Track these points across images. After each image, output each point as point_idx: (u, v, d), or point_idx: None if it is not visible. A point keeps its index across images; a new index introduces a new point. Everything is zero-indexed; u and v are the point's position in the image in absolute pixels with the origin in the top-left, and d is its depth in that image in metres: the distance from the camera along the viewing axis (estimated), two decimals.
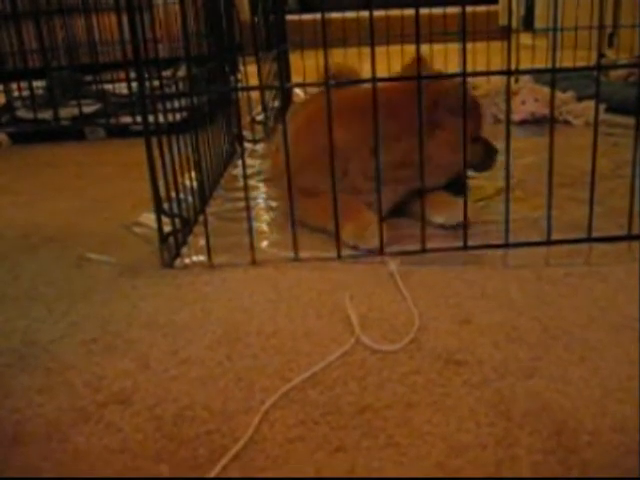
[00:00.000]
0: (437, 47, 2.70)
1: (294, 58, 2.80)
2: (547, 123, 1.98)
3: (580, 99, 2.16)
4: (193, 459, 0.71)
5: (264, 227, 1.36)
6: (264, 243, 1.26)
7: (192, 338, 0.94)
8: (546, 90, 2.14)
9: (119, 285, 1.13)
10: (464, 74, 1.08)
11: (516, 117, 2.08)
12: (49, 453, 0.73)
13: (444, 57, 2.69)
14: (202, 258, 1.20)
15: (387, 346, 0.89)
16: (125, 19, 1.13)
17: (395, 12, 3.06)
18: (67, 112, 2.30)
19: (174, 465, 0.70)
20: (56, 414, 0.80)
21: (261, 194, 1.58)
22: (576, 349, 0.87)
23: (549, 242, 1.16)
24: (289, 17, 2.94)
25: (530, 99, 2.10)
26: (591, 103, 2.08)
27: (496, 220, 1.24)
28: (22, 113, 2.34)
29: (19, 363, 0.91)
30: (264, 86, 1.47)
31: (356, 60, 2.50)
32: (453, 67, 2.37)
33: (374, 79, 1.06)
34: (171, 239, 1.20)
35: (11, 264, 1.25)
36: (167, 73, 2.21)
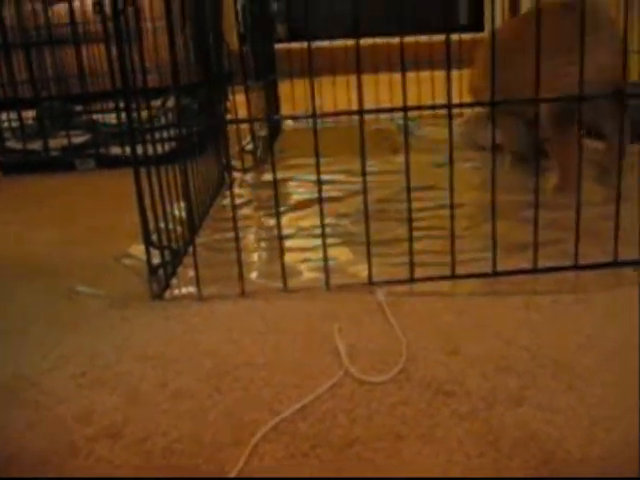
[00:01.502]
0: (423, 75, 2.74)
1: (283, 87, 2.82)
2: None
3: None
4: None
5: (254, 257, 1.36)
6: (253, 274, 1.27)
7: (182, 370, 0.95)
8: None
9: (109, 317, 1.13)
10: (449, 105, 1.10)
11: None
12: None
13: (431, 85, 2.72)
14: (191, 289, 1.20)
15: (376, 377, 0.90)
16: (114, 49, 1.14)
17: (382, 40, 3.10)
18: (57, 143, 2.31)
19: None
20: (46, 449, 0.79)
21: (252, 224, 1.59)
22: (564, 377, 0.87)
23: (536, 270, 1.17)
24: (278, 46, 2.97)
25: None
26: None
27: (483, 247, 1.25)
28: (12, 143, 2.35)
29: (9, 397, 0.91)
30: (253, 119, 1.48)
31: (345, 89, 2.52)
32: (440, 95, 2.40)
33: (360, 111, 1.08)
34: (160, 271, 1.21)
35: (0, 296, 1.25)
36: (157, 102, 2.22)
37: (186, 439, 0.79)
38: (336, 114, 1.16)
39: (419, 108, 1.12)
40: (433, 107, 1.15)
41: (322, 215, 1.15)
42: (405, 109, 1.08)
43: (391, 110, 1.11)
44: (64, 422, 0.85)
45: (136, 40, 1.31)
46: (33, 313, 1.17)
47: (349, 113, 1.13)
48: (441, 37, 1.11)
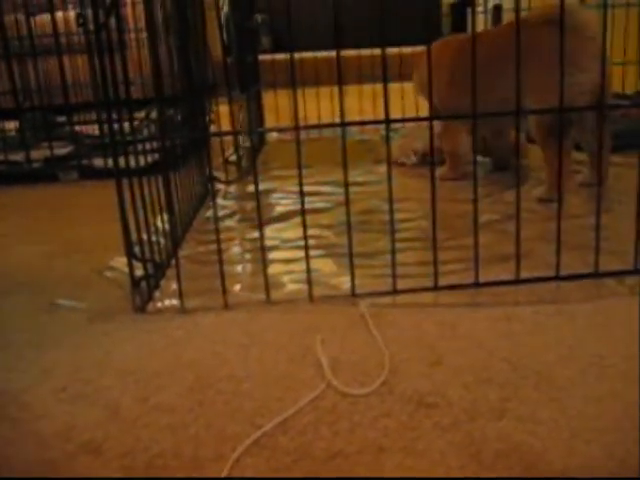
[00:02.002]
0: (407, 86, 2.75)
1: (267, 98, 2.83)
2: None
3: None
4: None
5: (237, 270, 1.36)
6: (237, 286, 1.26)
7: (163, 384, 0.94)
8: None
9: (90, 331, 1.12)
10: (431, 118, 1.10)
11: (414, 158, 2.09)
12: None
13: (415, 96, 2.73)
14: (174, 302, 1.20)
15: (358, 390, 0.90)
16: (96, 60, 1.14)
17: (366, 52, 3.11)
18: (39, 154, 2.30)
19: None
20: (25, 467, 0.79)
21: (235, 236, 1.59)
22: (545, 389, 0.88)
23: (518, 281, 1.18)
24: (262, 57, 2.97)
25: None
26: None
27: (466, 258, 1.25)
28: None
29: None
30: (237, 131, 1.49)
31: (329, 99, 2.53)
32: (424, 107, 2.41)
33: (343, 124, 1.08)
34: (143, 283, 1.20)
35: None
36: (140, 114, 2.21)
37: (167, 454, 0.79)
38: (319, 126, 1.16)
39: (402, 120, 1.13)
40: (416, 119, 1.15)
41: (305, 227, 1.15)
42: (388, 121, 1.09)
43: (374, 122, 1.11)
44: (44, 438, 0.84)
45: (119, 51, 1.31)
46: (13, 327, 1.16)
47: (332, 125, 1.13)
48: (425, 48, 1.12)
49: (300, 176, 1.12)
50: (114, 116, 1.14)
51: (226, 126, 2.10)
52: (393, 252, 1.17)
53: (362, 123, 1.14)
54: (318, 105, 2.58)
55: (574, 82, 1.49)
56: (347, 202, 1.14)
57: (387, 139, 1.11)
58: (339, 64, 1.08)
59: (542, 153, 1.63)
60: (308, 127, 1.15)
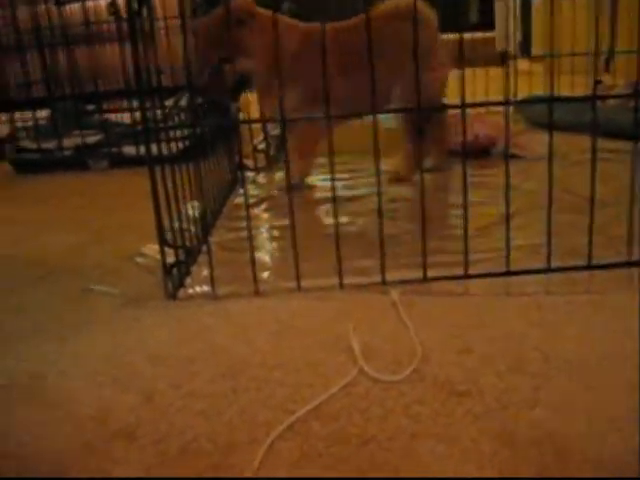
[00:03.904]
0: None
1: None
2: (491, 153, 2.01)
3: (576, 126, 2.15)
4: None
5: (267, 257, 1.37)
6: (267, 273, 1.27)
7: (196, 371, 0.95)
8: (497, 118, 2.12)
9: (123, 317, 1.14)
10: (463, 105, 1.09)
11: (458, 140, 2.03)
12: None
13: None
14: (205, 289, 1.21)
15: (390, 376, 0.90)
16: (128, 49, 1.15)
17: None
18: (70, 142, 2.32)
19: None
20: (62, 449, 0.80)
21: (264, 223, 1.60)
22: (578, 378, 0.87)
23: (549, 270, 1.17)
24: None
25: (477, 122, 2.05)
26: (540, 136, 2.09)
27: (497, 247, 1.25)
28: (26, 143, 2.36)
29: (25, 397, 0.92)
30: (266, 119, 1.49)
31: None
32: (453, 94, 2.39)
33: (374, 111, 1.08)
34: (175, 270, 1.21)
35: (16, 296, 1.26)
36: (169, 102, 2.22)
37: (201, 439, 0.80)
38: (351, 115, 1.16)
39: (434, 109, 1.12)
40: (448, 107, 1.14)
41: (336, 214, 1.15)
42: (419, 110, 1.08)
43: (405, 111, 1.11)
44: (80, 422, 0.85)
45: (150, 40, 1.31)
46: (48, 312, 1.18)
47: (363, 114, 1.13)
48: (453, 36, 1.11)
49: (331, 164, 1.12)
50: (147, 104, 1.15)
51: (255, 114, 2.11)
52: (424, 240, 1.16)
53: (393, 111, 1.14)
54: None
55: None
56: (379, 190, 1.14)
57: (420, 127, 1.10)
58: (370, 53, 1.08)
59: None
60: (339, 116, 1.14)
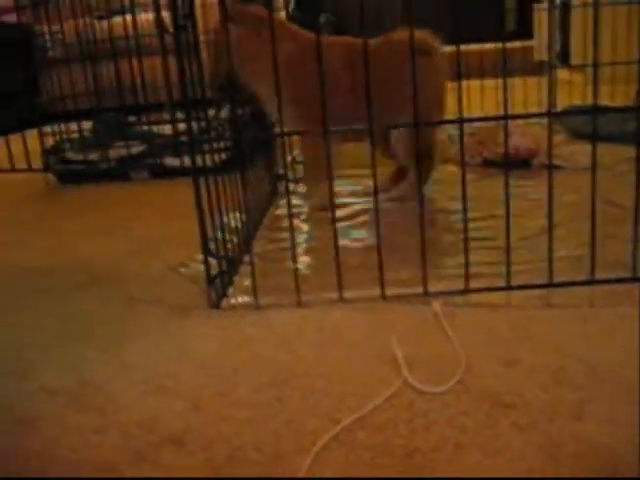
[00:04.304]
0: (473, 83, 2.72)
1: None
2: (531, 164, 1.99)
3: (619, 136, 2.13)
4: None
5: (308, 268, 1.38)
6: (308, 284, 1.28)
7: (241, 380, 0.96)
8: (535, 129, 2.10)
9: (168, 326, 1.16)
10: (506, 117, 1.10)
11: (497, 151, 2.02)
12: None
13: (480, 93, 2.71)
14: (248, 299, 1.22)
15: (434, 388, 0.90)
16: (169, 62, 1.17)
17: None
18: (113, 153, 2.36)
19: None
20: (112, 455, 0.82)
21: (304, 234, 1.61)
22: (624, 392, 0.87)
23: (593, 281, 1.16)
24: None
25: (517, 134, 2.04)
26: (581, 146, 2.07)
27: (538, 259, 1.24)
28: (69, 154, 2.41)
29: (75, 403, 0.94)
30: (305, 131, 1.51)
31: None
32: (490, 104, 2.39)
33: (416, 123, 1.09)
34: (218, 280, 1.23)
35: (62, 305, 1.29)
36: (210, 113, 2.25)
37: (248, 447, 0.81)
38: (392, 126, 1.17)
39: (477, 119, 1.12)
40: (491, 118, 1.15)
41: (378, 225, 1.16)
42: (461, 121, 1.09)
43: (448, 122, 1.11)
44: (128, 428, 0.87)
45: (194, 53, 1.34)
46: (94, 321, 1.20)
47: (405, 125, 1.13)
48: (490, 45, 1.11)
49: (374, 175, 1.13)
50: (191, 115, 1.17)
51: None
52: (466, 251, 1.16)
53: (437, 123, 1.14)
54: None
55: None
56: (420, 200, 1.15)
57: (461, 138, 1.11)
58: (414, 63, 1.09)
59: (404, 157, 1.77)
60: (380, 127, 1.15)
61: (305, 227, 1.67)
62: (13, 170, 2.49)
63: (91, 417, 0.90)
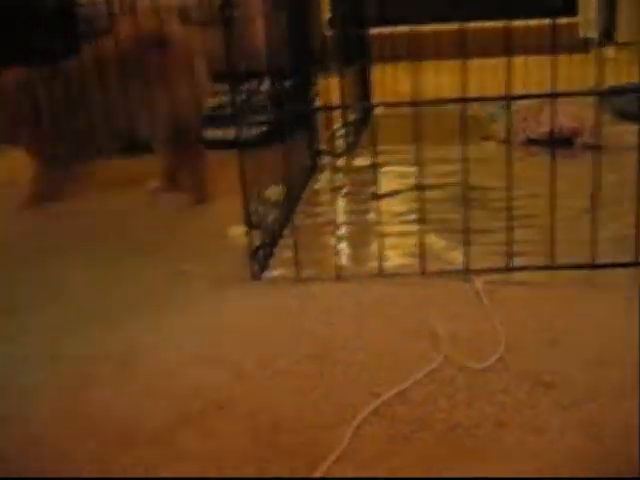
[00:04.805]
0: (518, 60, 2.67)
1: (375, 71, 2.81)
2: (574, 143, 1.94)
3: None
4: (291, 468, 0.74)
5: (346, 242, 1.38)
6: (346, 258, 1.28)
7: (282, 351, 0.98)
8: (578, 107, 2.05)
9: (211, 297, 1.17)
10: (552, 94, 1.08)
11: (540, 130, 1.98)
12: (158, 454, 0.78)
13: (524, 70, 2.67)
14: (288, 271, 1.23)
15: (475, 364, 0.90)
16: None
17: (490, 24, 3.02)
18: None
19: (274, 473, 0.74)
20: (161, 418, 0.84)
21: (343, 209, 1.61)
22: None
23: (637, 263, 1.15)
24: (371, 30, 2.95)
25: (560, 112, 1.97)
26: (626, 126, 2.02)
27: (583, 240, 1.23)
28: None
29: (124, 369, 0.96)
30: (346, 105, 1.51)
31: (448, 74, 2.48)
32: (534, 81, 2.35)
33: (463, 99, 1.08)
34: (260, 252, 1.24)
35: (109, 276, 1.31)
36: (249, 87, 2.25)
37: (290, 417, 0.82)
38: (438, 102, 1.16)
39: (523, 97, 1.11)
40: (538, 96, 1.13)
41: (421, 201, 1.16)
42: (508, 98, 1.08)
43: (495, 99, 1.10)
44: (175, 395, 0.89)
45: (239, 26, 1.34)
46: (140, 290, 1.22)
47: (452, 101, 1.12)
48: (535, 22, 1.10)
49: (418, 151, 1.13)
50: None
51: (334, 100, 2.12)
52: (509, 228, 1.16)
53: (482, 99, 1.13)
54: (437, 79, 2.54)
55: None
56: (464, 177, 1.14)
57: (508, 116, 1.10)
58: (465, 35, 1.07)
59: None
60: (426, 103, 1.15)
61: (344, 203, 1.66)
62: None
63: (140, 383, 0.93)
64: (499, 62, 1.11)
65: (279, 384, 0.90)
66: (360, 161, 2.00)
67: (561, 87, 1.16)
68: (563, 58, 2.68)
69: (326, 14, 3.57)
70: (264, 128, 1.70)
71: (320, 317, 1.07)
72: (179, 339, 1.03)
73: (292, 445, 0.78)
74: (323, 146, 2.01)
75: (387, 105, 1.44)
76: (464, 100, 1.08)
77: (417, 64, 1.17)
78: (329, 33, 2.64)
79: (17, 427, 0.85)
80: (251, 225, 1.22)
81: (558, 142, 1.86)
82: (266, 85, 2.08)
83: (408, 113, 1.15)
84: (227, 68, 1.17)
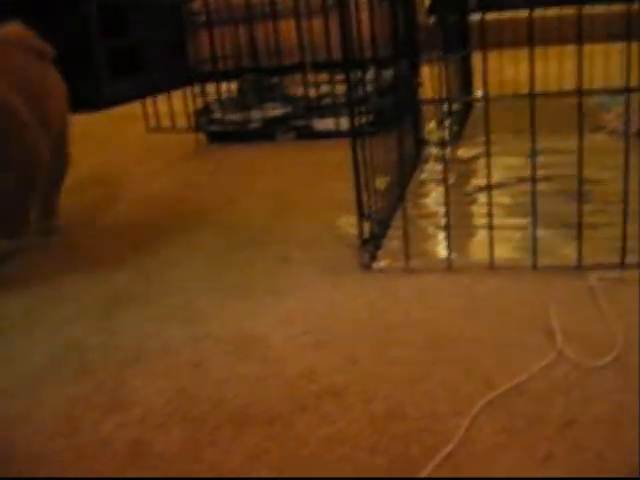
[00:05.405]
0: (597, 48, 2.57)
1: (475, 59, 2.77)
2: None
3: None
4: (406, 455, 0.76)
5: (454, 233, 1.38)
6: (457, 249, 1.28)
7: (395, 340, 0.99)
8: None
9: (321, 283, 1.20)
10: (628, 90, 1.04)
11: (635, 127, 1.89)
12: (274, 437, 0.81)
13: (605, 58, 2.56)
14: (397, 262, 1.25)
15: (591, 362, 0.89)
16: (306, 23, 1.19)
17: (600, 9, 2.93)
18: (259, 114, 2.43)
19: (389, 459, 0.75)
20: (276, 402, 0.87)
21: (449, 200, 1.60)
22: None
23: None
24: (470, 18, 2.91)
25: None
26: None
27: None
28: (218, 115, 2.50)
29: (238, 351, 1.00)
30: (451, 98, 1.50)
31: (554, 62, 2.42)
32: (614, 71, 2.27)
33: (579, 91, 1.06)
34: (370, 242, 1.26)
35: (219, 261, 1.36)
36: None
37: (406, 405, 0.84)
38: (554, 94, 1.15)
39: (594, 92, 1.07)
40: (611, 92, 1.10)
41: (534, 194, 1.15)
42: (627, 91, 1.05)
43: (614, 92, 1.08)
44: (289, 379, 0.92)
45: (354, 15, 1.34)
46: (251, 276, 1.26)
47: (567, 94, 1.11)
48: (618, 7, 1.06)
49: (533, 141, 1.12)
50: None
51: (434, 89, 2.11)
52: (624, 223, 1.13)
53: (600, 92, 1.11)
54: (544, 69, 2.49)
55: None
56: (580, 170, 1.13)
57: (627, 107, 1.07)
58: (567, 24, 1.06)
59: None
60: (543, 94, 1.13)
61: (450, 193, 1.66)
62: (174, 129, 2.53)
63: (253, 365, 0.96)
64: (593, 49, 1.08)
65: (393, 372, 0.91)
66: (464, 151, 1.99)
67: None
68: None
69: (426, 1, 3.55)
70: (369, 118, 1.71)
71: (432, 308, 1.08)
72: (290, 323, 1.07)
73: (407, 433, 0.79)
74: (427, 136, 2.01)
75: (502, 98, 1.42)
76: (581, 93, 1.06)
77: (518, 51, 1.16)
78: (430, 20, 2.63)
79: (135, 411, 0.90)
80: (363, 215, 1.23)
81: None
82: (371, 74, 2.10)
83: (512, 103, 1.13)
84: (342, 57, 1.19)
